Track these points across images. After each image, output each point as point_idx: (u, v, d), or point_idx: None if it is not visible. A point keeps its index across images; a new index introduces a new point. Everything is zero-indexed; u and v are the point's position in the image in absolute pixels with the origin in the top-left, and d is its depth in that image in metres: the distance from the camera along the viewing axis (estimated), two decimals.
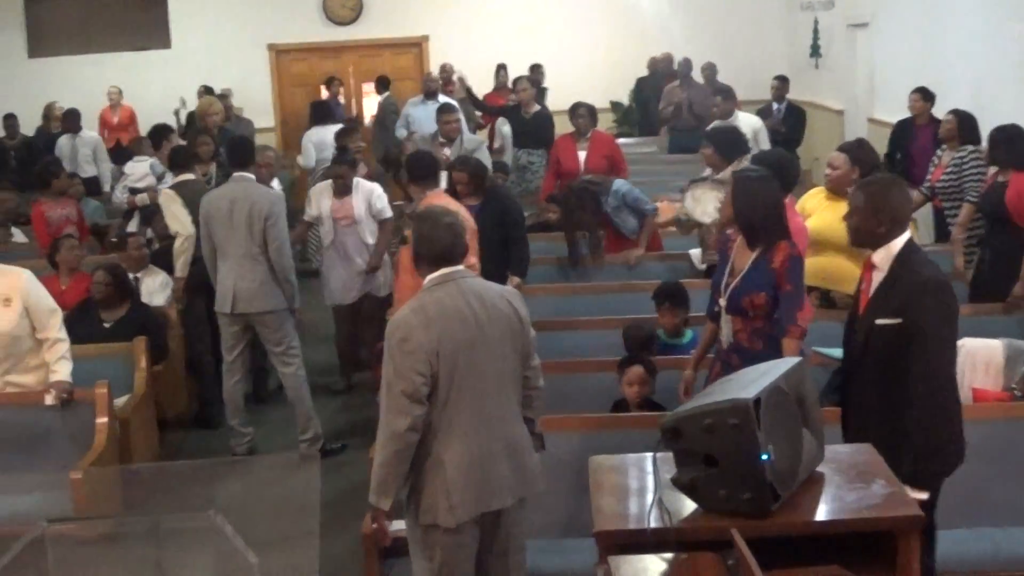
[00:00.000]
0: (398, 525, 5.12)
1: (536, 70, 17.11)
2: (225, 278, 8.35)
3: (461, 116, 11.70)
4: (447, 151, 10.65)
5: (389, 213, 9.68)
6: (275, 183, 9.42)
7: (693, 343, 7.22)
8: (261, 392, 9.68)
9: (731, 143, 8.33)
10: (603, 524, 3.97)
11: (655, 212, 9.62)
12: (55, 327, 7.16)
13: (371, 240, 9.55)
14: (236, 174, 8.55)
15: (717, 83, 15.10)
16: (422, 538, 4.87)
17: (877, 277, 4.98)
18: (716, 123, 11.29)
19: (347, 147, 10.89)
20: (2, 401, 7.14)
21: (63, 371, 7.13)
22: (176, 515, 3.88)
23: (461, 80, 15.42)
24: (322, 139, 13.23)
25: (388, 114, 16.55)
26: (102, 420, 7.20)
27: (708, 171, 11.03)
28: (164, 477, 5.25)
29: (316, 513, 3.76)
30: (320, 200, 9.57)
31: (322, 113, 13.93)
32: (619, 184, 9.55)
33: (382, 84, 17.22)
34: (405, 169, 8.24)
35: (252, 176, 8.53)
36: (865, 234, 5.00)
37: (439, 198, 7.68)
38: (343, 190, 9.48)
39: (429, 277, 4.95)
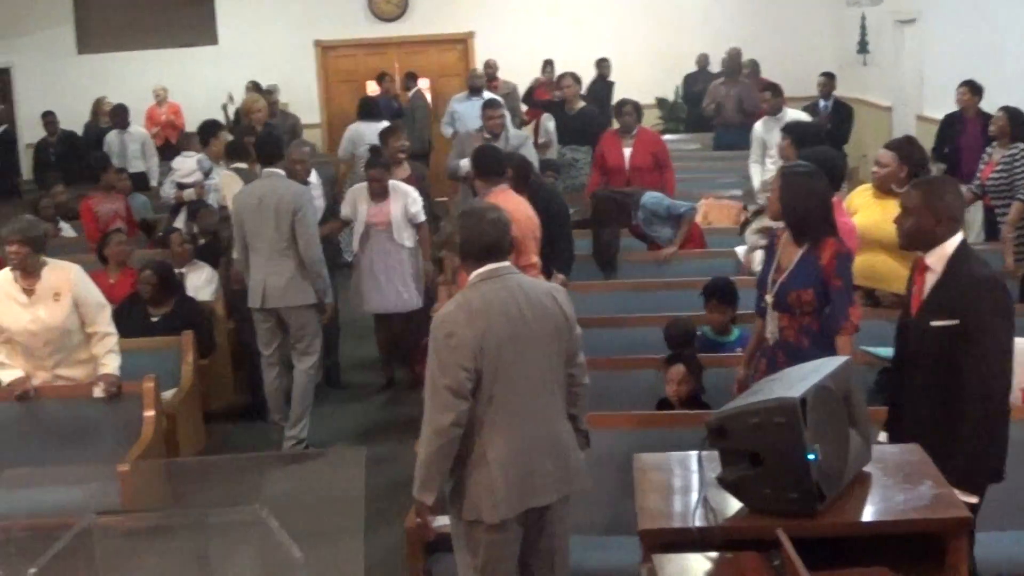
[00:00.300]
0: (442, 521, 5.13)
1: (603, 64, 17.19)
2: (255, 273, 8.40)
3: (506, 111, 11.70)
4: None
5: (423, 217, 9.61)
6: (313, 176, 9.46)
7: (740, 341, 7.18)
8: None
9: (809, 137, 8.28)
10: (647, 522, 3.95)
11: (692, 211, 9.62)
12: (104, 321, 7.24)
13: (408, 243, 9.50)
14: (265, 170, 8.59)
15: (760, 79, 15.05)
16: (466, 534, 4.87)
17: (930, 279, 4.93)
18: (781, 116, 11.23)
19: (380, 149, 10.85)
20: (51, 394, 7.23)
21: (112, 364, 7.21)
22: (222, 508, 3.90)
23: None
24: (360, 133, 13.36)
25: (417, 108, 16.62)
26: (149, 413, 7.27)
27: (755, 176, 11.10)
28: (210, 470, 5.28)
29: (361, 508, 3.77)
30: (357, 203, 9.53)
31: (367, 109, 13.98)
32: (646, 199, 9.58)
33: (410, 79, 17.22)
34: (471, 164, 8.19)
35: (281, 172, 8.55)
36: (920, 235, 4.94)
37: (505, 194, 7.64)
38: (379, 193, 9.43)
39: (474, 272, 4.94)
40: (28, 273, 7.09)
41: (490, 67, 16.68)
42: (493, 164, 7.99)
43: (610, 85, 16.83)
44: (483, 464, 4.77)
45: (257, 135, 10.50)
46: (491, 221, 4.98)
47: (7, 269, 7.19)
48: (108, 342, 7.24)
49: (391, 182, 9.53)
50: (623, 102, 11.31)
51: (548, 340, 4.88)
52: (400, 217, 9.42)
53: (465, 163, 10.01)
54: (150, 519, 3.99)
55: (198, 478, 4.95)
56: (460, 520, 4.87)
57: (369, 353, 10.39)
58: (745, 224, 9.52)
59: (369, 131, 12.99)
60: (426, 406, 4.79)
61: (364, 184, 9.61)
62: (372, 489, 6.66)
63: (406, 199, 9.49)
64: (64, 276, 7.15)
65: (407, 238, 9.49)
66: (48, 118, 15.77)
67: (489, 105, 11.46)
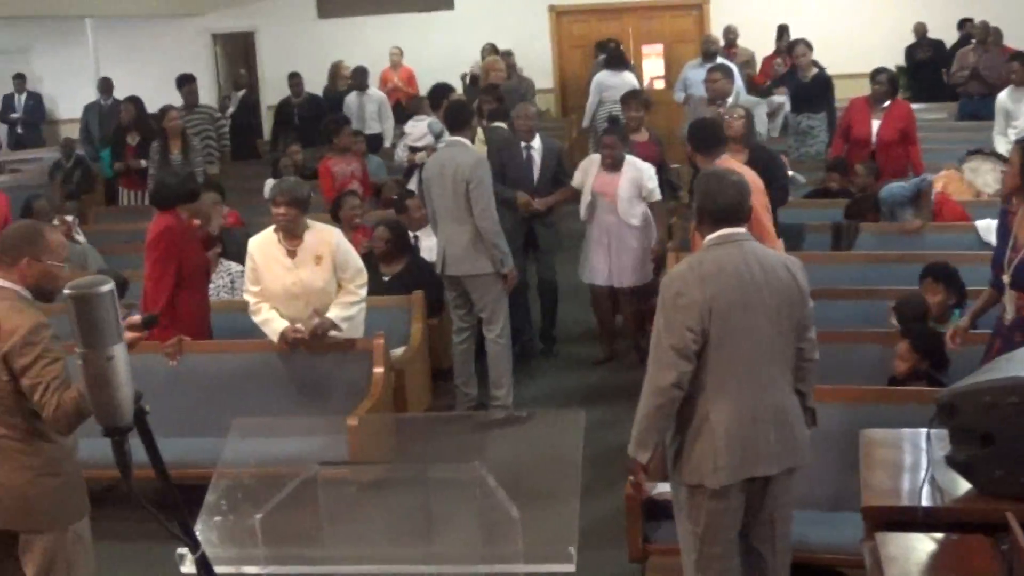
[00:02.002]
0: (662, 487, 5.12)
1: (967, 25, 16.54)
2: (439, 240, 8.55)
3: (734, 76, 11.49)
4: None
5: (658, 196, 9.31)
6: (536, 141, 9.49)
7: None
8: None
9: None
10: (872, 499, 3.90)
11: (929, 184, 9.32)
12: (357, 286, 7.39)
13: (634, 222, 9.23)
14: (450, 138, 8.68)
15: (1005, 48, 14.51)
16: (687, 499, 4.85)
17: None
18: None
19: (618, 118, 10.77)
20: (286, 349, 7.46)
21: (335, 312, 7.31)
22: (443, 465, 3.97)
23: None
24: (601, 82, 13.55)
25: None
26: (379, 370, 7.42)
27: (1000, 149, 10.70)
28: (435, 427, 5.38)
29: (578, 471, 3.79)
30: (588, 171, 9.41)
31: (610, 58, 14.05)
32: (884, 194, 9.37)
33: (600, 48, 16.95)
34: (688, 137, 7.89)
35: (465, 141, 8.53)
36: None
37: (730, 164, 7.17)
38: (612, 164, 9.23)
39: (709, 237, 4.90)
40: (292, 235, 7.28)
41: (731, 33, 16.35)
42: (709, 136, 7.54)
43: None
44: (706, 428, 4.74)
45: (496, 96, 10.62)
46: (732, 183, 4.94)
47: (270, 230, 7.40)
48: (349, 299, 7.36)
49: (629, 157, 9.29)
50: (879, 71, 10.97)
51: (779, 310, 4.79)
52: (628, 192, 9.20)
53: None
54: (372, 472, 4.09)
55: (423, 434, 5.04)
56: (681, 485, 4.86)
57: (586, 315, 10.28)
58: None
59: (611, 80, 13.10)
60: (649, 364, 4.78)
61: (598, 155, 9.46)
62: (595, 454, 6.70)
63: (640, 176, 9.23)
64: (326, 239, 7.33)
65: (634, 216, 9.24)
66: (294, 80, 16.17)
67: (712, 69, 11.26)
